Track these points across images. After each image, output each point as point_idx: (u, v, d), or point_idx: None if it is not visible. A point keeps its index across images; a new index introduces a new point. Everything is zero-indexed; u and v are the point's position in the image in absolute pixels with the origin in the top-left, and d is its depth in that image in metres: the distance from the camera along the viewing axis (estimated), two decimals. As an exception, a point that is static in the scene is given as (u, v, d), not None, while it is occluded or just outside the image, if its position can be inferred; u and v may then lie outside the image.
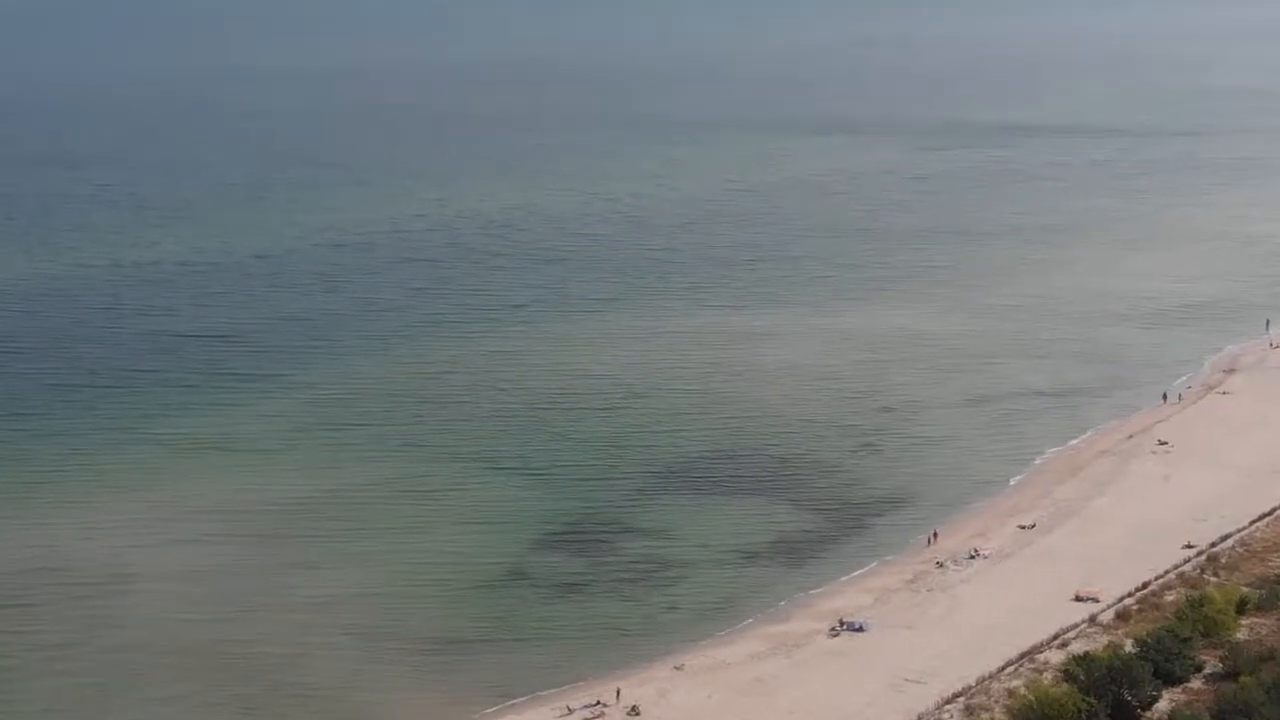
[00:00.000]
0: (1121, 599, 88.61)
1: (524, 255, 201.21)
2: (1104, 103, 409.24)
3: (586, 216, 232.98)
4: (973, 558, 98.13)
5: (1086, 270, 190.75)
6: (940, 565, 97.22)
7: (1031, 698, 72.81)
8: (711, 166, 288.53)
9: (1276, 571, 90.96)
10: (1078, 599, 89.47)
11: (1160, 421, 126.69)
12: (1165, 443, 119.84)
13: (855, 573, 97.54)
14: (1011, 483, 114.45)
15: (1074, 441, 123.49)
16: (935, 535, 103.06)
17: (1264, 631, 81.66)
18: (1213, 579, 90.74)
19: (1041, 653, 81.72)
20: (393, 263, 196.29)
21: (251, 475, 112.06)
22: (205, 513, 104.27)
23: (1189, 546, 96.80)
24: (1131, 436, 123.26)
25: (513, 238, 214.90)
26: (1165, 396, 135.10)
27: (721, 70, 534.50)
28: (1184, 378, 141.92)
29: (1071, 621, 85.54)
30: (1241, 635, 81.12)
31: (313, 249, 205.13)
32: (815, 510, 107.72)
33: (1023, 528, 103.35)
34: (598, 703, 77.96)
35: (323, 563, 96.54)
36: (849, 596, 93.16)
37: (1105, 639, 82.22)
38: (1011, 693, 76.35)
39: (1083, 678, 73.71)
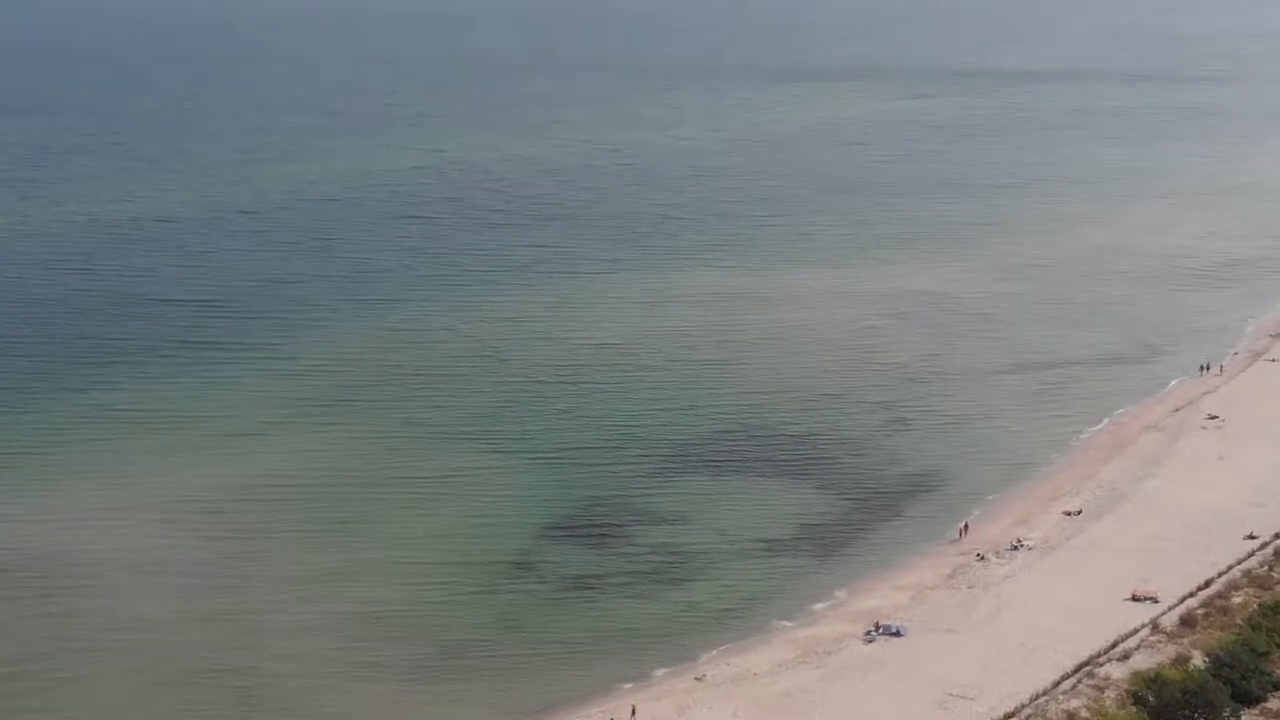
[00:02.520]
0: (1183, 599, 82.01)
1: (525, 211, 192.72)
2: (1114, 47, 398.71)
3: (590, 168, 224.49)
4: (1015, 549, 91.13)
5: (1119, 226, 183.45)
6: (981, 558, 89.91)
7: (1095, 723, 65.66)
8: (720, 114, 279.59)
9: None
10: (1134, 599, 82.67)
11: (1208, 393, 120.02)
12: (1215, 416, 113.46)
13: (889, 567, 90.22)
14: (1052, 462, 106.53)
15: (1118, 414, 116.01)
16: (966, 528, 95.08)
17: (1345, 642, 74.42)
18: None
19: (1101, 665, 74.57)
20: (386, 219, 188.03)
21: (232, 459, 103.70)
22: (180, 502, 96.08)
23: (1251, 537, 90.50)
24: (1178, 410, 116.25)
25: (513, 192, 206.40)
26: (1205, 367, 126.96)
27: (729, 12, 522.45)
28: (1232, 346, 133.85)
29: (1130, 626, 78.96)
30: (1320, 646, 73.92)
31: (302, 204, 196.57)
32: (842, 495, 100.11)
33: (1068, 514, 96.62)
34: (611, 721, 70.82)
35: (310, 562, 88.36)
36: (883, 595, 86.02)
37: (1171, 649, 75.35)
38: (1071, 715, 69.33)
39: (1153, 701, 67.71)
